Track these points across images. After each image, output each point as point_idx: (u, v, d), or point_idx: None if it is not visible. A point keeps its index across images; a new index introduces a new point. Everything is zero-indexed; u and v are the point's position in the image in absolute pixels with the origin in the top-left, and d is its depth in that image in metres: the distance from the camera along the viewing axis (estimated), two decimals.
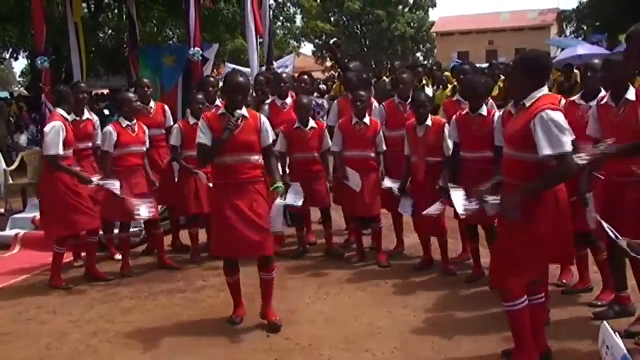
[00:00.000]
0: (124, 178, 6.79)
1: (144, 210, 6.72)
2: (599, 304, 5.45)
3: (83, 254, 7.35)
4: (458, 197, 4.85)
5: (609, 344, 2.80)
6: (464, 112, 6.22)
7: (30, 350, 5.20)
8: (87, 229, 6.85)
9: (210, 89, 7.82)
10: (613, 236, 3.60)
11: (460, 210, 4.83)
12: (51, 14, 13.60)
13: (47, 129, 6.59)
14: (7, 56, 21.54)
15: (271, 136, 5.41)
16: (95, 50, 19.06)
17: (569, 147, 3.95)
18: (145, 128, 7.14)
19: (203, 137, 5.17)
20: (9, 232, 8.66)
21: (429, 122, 6.50)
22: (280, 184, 5.31)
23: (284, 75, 8.32)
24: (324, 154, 7.32)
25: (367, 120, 6.92)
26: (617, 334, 2.82)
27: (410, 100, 7.03)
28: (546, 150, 3.94)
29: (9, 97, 26.38)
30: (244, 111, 5.24)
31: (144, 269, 7.27)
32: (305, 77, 8.54)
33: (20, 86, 39.84)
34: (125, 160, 6.88)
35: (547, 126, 3.94)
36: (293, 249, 7.55)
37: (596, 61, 5.60)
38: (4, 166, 10.92)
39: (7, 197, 10.76)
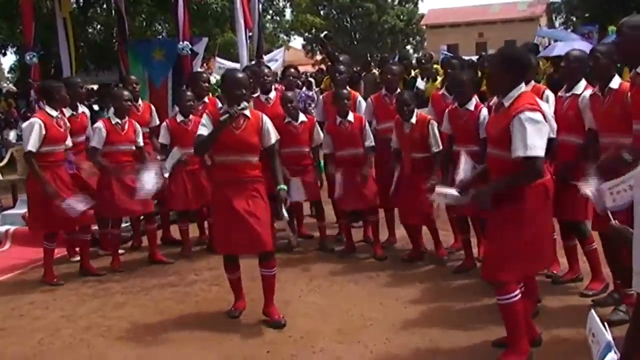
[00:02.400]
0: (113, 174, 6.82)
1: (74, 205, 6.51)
2: (590, 293, 5.49)
3: (77, 249, 7.35)
4: (448, 192, 4.86)
5: (594, 331, 2.83)
6: (453, 106, 6.25)
7: (23, 345, 5.21)
8: (68, 228, 6.84)
9: (201, 83, 7.79)
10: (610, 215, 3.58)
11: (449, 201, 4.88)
12: (39, 9, 13.52)
13: (24, 125, 6.61)
14: None
15: (273, 136, 5.38)
16: (84, 45, 18.97)
17: (539, 152, 3.97)
18: (137, 125, 7.12)
19: (203, 129, 5.17)
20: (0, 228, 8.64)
21: (413, 120, 6.51)
22: (284, 186, 5.32)
23: (265, 70, 8.26)
24: (315, 148, 7.33)
25: (350, 117, 6.92)
26: (605, 323, 2.85)
27: (395, 92, 7.07)
28: (519, 152, 3.97)
29: None
30: (247, 111, 5.22)
31: (135, 264, 7.27)
32: (292, 69, 8.54)
33: (8, 82, 39.57)
34: (113, 157, 6.87)
35: (523, 127, 3.96)
36: (284, 242, 7.56)
37: (574, 52, 5.66)
38: None
39: None
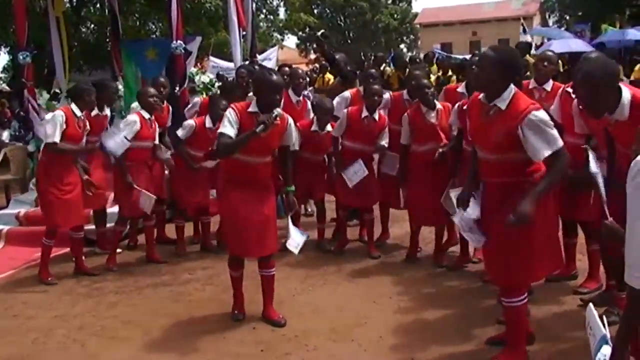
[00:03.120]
0: (133, 168, 6.89)
1: (146, 199, 6.82)
2: (584, 291, 5.51)
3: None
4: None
5: (591, 325, 2.86)
6: (464, 102, 6.19)
7: (16, 345, 5.19)
8: (70, 225, 6.85)
9: (218, 111, 7.34)
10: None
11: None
12: (32, 8, 13.51)
13: (47, 116, 6.66)
14: None
15: (294, 138, 5.32)
16: (77, 44, 18.95)
17: (561, 141, 3.99)
18: (156, 124, 7.17)
19: (229, 128, 4.92)
20: None
21: (439, 106, 6.45)
22: (292, 187, 5.31)
23: (300, 72, 8.16)
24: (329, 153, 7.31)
25: (376, 115, 6.84)
26: (603, 318, 2.88)
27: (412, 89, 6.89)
28: (545, 151, 3.95)
29: None
30: (278, 119, 5.01)
31: (129, 263, 7.26)
32: (286, 68, 8.53)
33: (1, 82, 39.43)
34: (135, 153, 6.90)
35: (539, 128, 3.95)
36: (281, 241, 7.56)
37: (548, 53, 5.69)
38: None
39: None
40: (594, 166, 4.12)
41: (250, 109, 5.04)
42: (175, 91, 8.94)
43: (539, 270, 4.29)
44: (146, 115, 6.94)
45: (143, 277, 6.73)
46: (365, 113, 6.80)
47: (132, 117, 6.91)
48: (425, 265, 6.68)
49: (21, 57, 9.11)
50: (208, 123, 7.13)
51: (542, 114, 4.00)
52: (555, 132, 3.99)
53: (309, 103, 7.63)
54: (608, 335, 2.72)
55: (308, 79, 18.70)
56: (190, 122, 7.33)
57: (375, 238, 7.32)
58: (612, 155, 4.50)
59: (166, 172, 7.65)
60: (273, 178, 5.36)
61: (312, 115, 7.40)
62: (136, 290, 6.37)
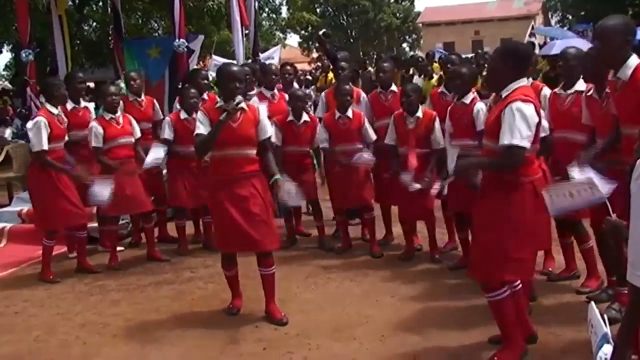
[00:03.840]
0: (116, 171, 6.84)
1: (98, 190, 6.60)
2: (585, 290, 5.50)
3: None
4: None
5: (593, 322, 2.86)
6: (452, 103, 6.24)
7: (18, 343, 5.20)
8: (70, 225, 6.86)
9: (200, 80, 7.77)
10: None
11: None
12: (35, 6, 13.51)
13: (29, 125, 6.63)
14: None
15: (269, 129, 5.37)
16: (79, 42, 18.96)
17: (524, 142, 3.92)
18: (131, 118, 7.15)
19: (202, 128, 5.09)
20: None
21: (419, 114, 6.50)
22: (278, 175, 5.25)
23: (273, 67, 8.31)
24: (316, 149, 7.32)
25: (349, 113, 6.90)
26: (604, 315, 2.87)
27: (390, 89, 7.15)
28: (505, 139, 3.94)
29: None
30: (243, 104, 5.15)
31: (131, 261, 7.26)
32: (288, 67, 8.54)
33: (4, 80, 39.49)
34: (114, 153, 6.89)
35: (512, 116, 3.93)
36: (282, 240, 7.58)
37: (571, 50, 5.65)
38: None
39: None
40: (575, 171, 4.18)
41: (217, 105, 5.21)
42: (179, 89, 8.94)
43: (512, 269, 4.20)
44: (107, 117, 6.93)
45: (145, 276, 6.73)
46: (337, 114, 6.91)
47: (93, 124, 6.90)
48: (427, 263, 6.67)
49: (24, 55, 9.12)
50: (182, 114, 7.19)
51: (523, 106, 3.95)
52: (525, 132, 3.92)
53: (286, 97, 7.64)
54: (609, 334, 2.71)
55: (311, 78, 18.77)
56: (166, 118, 7.42)
57: (379, 238, 7.32)
58: (616, 141, 4.52)
59: (164, 171, 7.67)
60: (264, 178, 5.33)
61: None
62: (138, 288, 6.38)
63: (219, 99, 5.31)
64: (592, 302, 2.96)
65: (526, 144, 3.94)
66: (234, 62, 11.04)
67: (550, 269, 5.98)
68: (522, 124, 3.92)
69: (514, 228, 4.08)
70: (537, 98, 5.38)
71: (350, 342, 4.88)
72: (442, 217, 6.97)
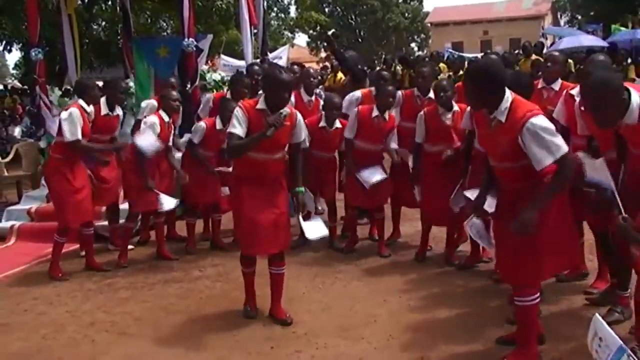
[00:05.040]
0: (154, 170, 6.98)
1: (167, 201, 6.87)
2: (594, 292, 5.49)
3: None
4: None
5: (601, 335, 2.78)
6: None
7: (27, 340, 5.22)
8: (80, 222, 6.89)
9: (240, 89, 7.46)
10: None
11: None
12: (44, 5, 13.54)
13: (63, 114, 6.63)
14: (1, 48, 21.43)
15: (303, 135, 5.30)
16: (88, 42, 18.99)
17: (565, 147, 3.94)
18: (172, 127, 7.21)
19: (238, 127, 4.91)
20: (5, 224, 8.66)
21: (455, 108, 6.43)
22: (302, 189, 5.22)
23: (311, 71, 8.21)
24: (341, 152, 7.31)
25: (386, 115, 6.82)
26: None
27: (428, 95, 6.95)
28: (547, 160, 3.92)
29: (3, 90, 26.31)
30: (286, 109, 5.04)
31: (139, 259, 7.29)
32: (295, 67, 8.53)
33: (13, 78, 39.64)
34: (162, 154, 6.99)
35: (538, 136, 3.91)
36: (293, 239, 7.58)
37: (555, 53, 5.65)
38: None
39: (2, 189, 10.79)
40: (590, 174, 4.16)
41: (258, 106, 5.03)
42: (187, 89, 8.96)
43: (548, 268, 4.25)
44: (165, 118, 6.96)
45: (154, 274, 6.75)
46: (375, 112, 6.79)
47: (152, 119, 6.90)
48: (435, 264, 6.67)
49: (33, 54, 9.15)
50: (218, 125, 7.10)
51: (539, 120, 3.95)
52: (557, 138, 3.94)
53: (321, 102, 7.60)
54: (624, 345, 2.66)
55: (320, 78, 18.76)
56: (201, 124, 7.29)
57: (386, 237, 7.32)
58: (623, 155, 4.49)
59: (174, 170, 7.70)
60: (285, 176, 5.34)
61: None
62: (147, 286, 6.39)
63: (260, 101, 5.06)
64: (597, 315, 2.91)
65: (565, 147, 3.95)
66: (237, 62, 11.08)
67: None
68: (549, 135, 3.92)
69: (542, 227, 4.03)
70: (572, 99, 5.34)
71: (358, 341, 4.88)
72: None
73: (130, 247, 7.43)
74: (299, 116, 5.26)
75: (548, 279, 4.30)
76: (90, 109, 6.80)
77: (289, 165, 5.37)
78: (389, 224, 7.44)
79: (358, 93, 7.70)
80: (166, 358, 4.83)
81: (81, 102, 6.76)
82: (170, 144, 7.18)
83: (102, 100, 7.09)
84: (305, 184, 5.50)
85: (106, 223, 7.75)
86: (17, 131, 16.93)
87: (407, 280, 6.22)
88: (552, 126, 4.01)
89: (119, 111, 7.38)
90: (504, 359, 4.31)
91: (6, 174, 10.84)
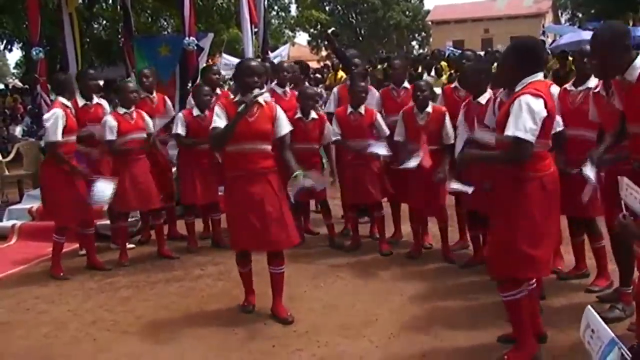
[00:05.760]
0: (125, 165, 6.90)
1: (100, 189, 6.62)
2: (595, 289, 5.49)
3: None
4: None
5: (593, 327, 2.77)
6: (468, 100, 6.19)
7: (29, 339, 5.23)
8: (77, 222, 6.90)
9: (212, 76, 7.81)
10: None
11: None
12: (45, 4, 13.54)
13: (46, 116, 6.66)
14: (2, 48, 21.44)
15: (287, 126, 5.30)
16: (89, 40, 18.99)
17: (528, 136, 3.88)
18: (145, 114, 7.18)
19: (219, 121, 5.06)
20: (6, 223, 8.67)
21: (429, 109, 6.50)
22: (299, 171, 5.16)
23: (285, 64, 8.33)
24: (327, 146, 7.31)
25: (361, 109, 6.91)
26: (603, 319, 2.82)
27: (402, 85, 7.18)
28: (509, 130, 3.91)
29: (4, 89, 26.34)
30: (262, 97, 5.16)
31: (140, 258, 7.29)
32: (293, 64, 8.53)
33: (14, 78, 39.66)
34: (128, 146, 6.92)
35: (519, 109, 3.90)
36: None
37: (586, 47, 5.60)
38: (0, 157, 10.94)
39: (3, 188, 10.80)
40: (588, 170, 4.15)
41: (235, 99, 5.23)
42: (188, 88, 8.97)
43: (526, 266, 4.16)
44: (122, 111, 6.96)
45: (155, 273, 6.76)
46: (349, 109, 6.92)
47: (107, 118, 6.95)
48: (436, 262, 6.66)
49: (34, 53, 9.16)
50: (195, 111, 7.23)
51: (531, 100, 3.91)
52: (531, 125, 3.87)
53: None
54: (616, 337, 2.65)
55: (320, 76, 18.77)
56: (179, 115, 7.43)
57: (388, 236, 7.32)
58: (622, 137, 4.50)
59: (174, 169, 7.71)
60: (278, 174, 5.30)
61: None
62: (148, 285, 6.40)
63: (232, 95, 5.31)
64: (589, 307, 2.90)
65: (530, 137, 3.88)
66: (238, 60, 11.09)
67: (559, 268, 5.96)
68: (528, 116, 3.88)
69: (524, 224, 4.06)
70: (602, 96, 5.36)
71: (359, 340, 4.88)
72: (454, 214, 6.97)
73: (131, 246, 7.43)
74: (279, 108, 5.32)
75: (525, 278, 4.26)
76: (69, 103, 6.80)
77: (281, 157, 5.30)
78: (389, 223, 7.44)
79: (335, 88, 8.01)
80: (167, 356, 4.83)
81: (61, 99, 6.75)
82: (150, 132, 7.21)
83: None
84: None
85: (107, 222, 7.75)
86: (18, 130, 16.95)
87: (409, 278, 6.21)
88: (540, 113, 3.94)
89: (97, 100, 7.49)
90: (504, 356, 4.32)
91: (7, 173, 10.85)
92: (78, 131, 6.84)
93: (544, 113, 3.94)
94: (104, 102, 7.68)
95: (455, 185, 5.24)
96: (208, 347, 4.91)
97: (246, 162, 5.12)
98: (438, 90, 7.96)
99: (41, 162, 8.07)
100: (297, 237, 5.37)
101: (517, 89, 4.08)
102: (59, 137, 6.49)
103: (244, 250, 5.43)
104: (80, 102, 7.25)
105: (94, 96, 7.50)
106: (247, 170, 5.12)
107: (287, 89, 7.82)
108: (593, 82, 5.25)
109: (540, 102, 3.92)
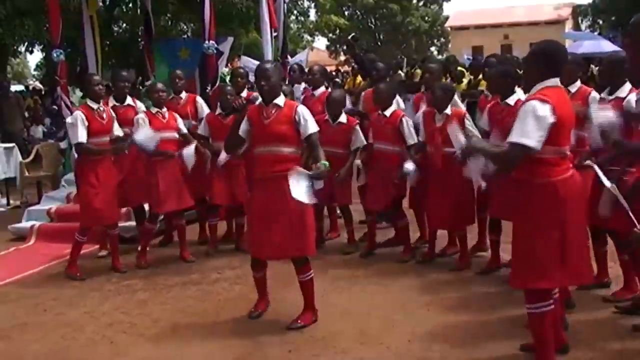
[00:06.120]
0: (158, 164, 6.95)
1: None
2: (615, 299, 5.42)
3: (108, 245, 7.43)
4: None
5: None
6: (494, 102, 6.15)
7: (46, 340, 5.24)
8: (104, 224, 6.93)
9: (237, 79, 7.78)
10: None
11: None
12: (66, 7, 13.61)
13: (67, 119, 6.81)
14: (23, 50, 21.59)
15: (312, 126, 5.17)
16: (109, 43, 19.07)
17: (530, 142, 3.80)
18: (177, 115, 7.23)
19: (241, 129, 5.19)
20: (25, 224, 8.73)
21: (448, 111, 6.45)
22: (325, 162, 4.93)
23: (315, 67, 8.40)
24: (354, 151, 7.25)
25: (387, 112, 6.86)
26: None
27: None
28: (512, 137, 3.86)
29: (25, 90, 26.52)
30: (280, 100, 5.15)
31: (158, 261, 7.30)
32: (315, 67, 8.52)
33: (35, 79, 39.96)
34: (159, 145, 6.88)
35: (524, 114, 3.84)
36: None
37: (613, 55, 5.55)
38: (20, 158, 11.01)
39: (23, 189, 10.86)
40: (605, 180, 4.09)
41: (257, 102, 5.33)
42: (207, 91, 8.98)
43: (555, 277, 4.07)
44: (154, 110, 7.04)
45: (172, 276, 6.76)
46: (377, 112, 6.95)
47: (139, 116, 7.04)
48: (455, 269, 6.60)
49: (55, 55, 9.22)
50: (218, 111, 7.30)
51: (538, 105, 3.83)
52: (534, 132, 3.80)
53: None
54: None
55: (339, 80, 18.79)
56: (203, 117, 7.49)
57: (413, 241, 7.27)
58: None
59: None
60: None
61: None
62: (165, 288, 6.40)
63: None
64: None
65: (532, 143, 3.80)
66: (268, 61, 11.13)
67: None
68: (532, 122, 3.80)
69: (535, 233, 3.99)
70: (586, 102, 5.30)
71: (377, 346, 4.85)
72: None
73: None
74: (302, 108, 5.22)
75: (554, 288, 4.19)
76: (96, 105, 6.78)
77: (310, 156, 5.24)
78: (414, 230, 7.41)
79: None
80: None
81: (88, 101, 6.82)
82: (183, 132, 7.23)
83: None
84: None
85: (128, 224, 7.77)
86: (38, 132, 17.07)
87: (426, 284, 6.18)
88: (545, 119, 3.84)
89: (130, 102, 7.54)
90: None
91: (27, 174, 10.91)
92: (110, 133, 6.87)
93: (551, 119, 3.83)
94: (138, 103, 7.70)
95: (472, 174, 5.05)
96: (224, 351, 4.89)
97: (261, 165, 5.13)
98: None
99: (61, 163, 8.13)
100: (313, 248, 5.25)
101: (530, 94, 4.05)
102: (82, 139, 6.55)
103: (259, 258, 5.38)
104: (110, 103, 7.31)
105: (127, 97, 7.55)
106: (262, 174, 5.12)
107: (316, 92, 7.92)
108: (624, 91, 5.18)
109: (547, 107, 3.83)
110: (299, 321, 5.26)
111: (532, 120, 3.81)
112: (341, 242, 7.62)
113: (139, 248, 7.21)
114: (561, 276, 4.09)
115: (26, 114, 19.11)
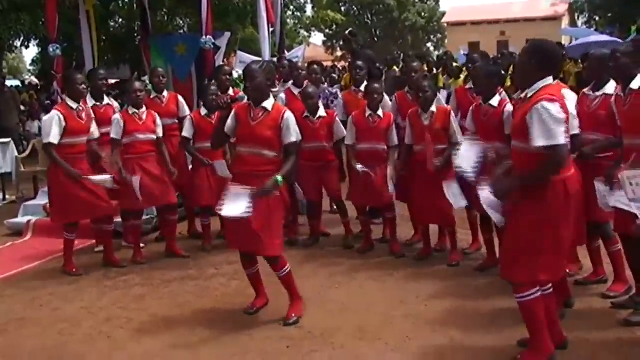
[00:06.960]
0: (136, 164, 6.87)
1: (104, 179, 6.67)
2: (611, 294, 5.43)
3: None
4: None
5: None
6: (477, 103, 6.16)
7: (43, 336, 5.23)
8: (87, 218, 6.91)
9: (222, 77, 7.80)
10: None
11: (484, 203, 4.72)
12: (63, 1, 13.58)
13: (44, 118, 6.74)
14: (19, 44, 21.52)
15: (294, 134, 5.15)
16: (106, 38, 19.04)
17: (562, 139, 3.92)
18: (156, 116, 7.12)
19: (227, 125, 5.22)
20: (21, 219, 8.72)
21: (433, 109, 6.47)
22: (279, 177, 4.95)
23: (299, 63, 8.34)
24: (336, 144, 7.28)
25: (380, 112, 6.87)
26: None
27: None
28: (539, 141, 3.93)
29: (20, 85, 26.46)
30: (269, 103, 5.14)
31: (155, 256, 7.29)
32: (315, 66, 8.48)
33: (30, 74, 39.86)
34: (134, 147, 6.90)
35: (541, 117, 3.92)
36: (305, 237, 7.59)
37: (596, 52, 5.59)
38: (16, 153, 11.00)
39: (19, 184, 10.85)
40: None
41: (244, 102, 5.32)
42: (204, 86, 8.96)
43: (545, 270, 4.15)
44: (131, 111, 6.94)
45: (170, 271, 6.75)
46: (368, 112, 6.89)
47: (116, 116, 6.97)
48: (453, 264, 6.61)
49: (51, 50, 9.18)
50: (202, 111, 7.29)
51: (550, 105, 3.94)
52: (559, 129, 3.91)
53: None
54: None
55: (336, 76, 18.76)
56: (188, 117, 7.45)
57: (407, 238, 7.30)
58: None
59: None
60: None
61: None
62: (163, 283, 6.39)
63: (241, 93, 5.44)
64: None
65: (563, 140, 3.92)
66: (253, 57, 11.12)
67: (571, 271, 5.84)
68: (553, 122, 3.91)
69: (544, 227, 4.05)
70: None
71: (375, 342, 4.85)
72: (466, 219, 6.92)
73: (141, 245, 7.41)
74: (288, 115, 5.18)
75: (544, 281, 4.22)
76: (76, 105, 6.69)
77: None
78: (405, 226, 7.40)
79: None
80: (182, 355, 4.82)
81: (68, 100, 6.73)
82: (159, 135, 7.13)
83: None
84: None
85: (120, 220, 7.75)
86: (34, 127, 17.04)
87: (424, 280, 6.17)
88: (561, 117, 3.97)
89: (108, 101, 7.49)
90: (517, 356, 4.30)
91: (23, 169, 10.89)
92: (88, 133, 6.80)
93: (563, 115, 3.98)
94: (115, 103, 7.68)
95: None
96: (222, 347, 4.89)
97: (246, 165, 5.15)
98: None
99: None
100: (276, 249, 5.18)
101: (529, 95, 4.10)
102: (54, 139, 6.48)
103: (235, 250, 5.47)
104: (90, 102, 7.20)
105: (105, 96, 7.50)
106: (246, 172, 5.13)
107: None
108: (611, 88, 5.20)
109: (557, 105, 3.96)
110: (292, 314, 5.27)
111: (551, 120, 3.92)
112: (339, 238, 7.62)
113: (133, 245, 7.21)
114: (558, 269, 4.25)
115: (22, 109, 19.10)
